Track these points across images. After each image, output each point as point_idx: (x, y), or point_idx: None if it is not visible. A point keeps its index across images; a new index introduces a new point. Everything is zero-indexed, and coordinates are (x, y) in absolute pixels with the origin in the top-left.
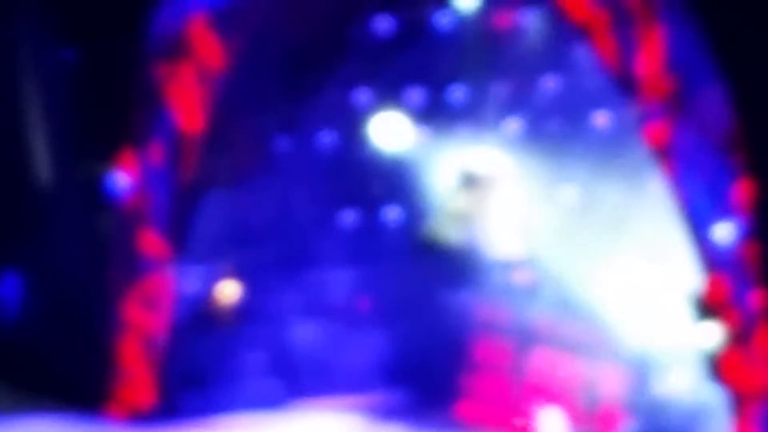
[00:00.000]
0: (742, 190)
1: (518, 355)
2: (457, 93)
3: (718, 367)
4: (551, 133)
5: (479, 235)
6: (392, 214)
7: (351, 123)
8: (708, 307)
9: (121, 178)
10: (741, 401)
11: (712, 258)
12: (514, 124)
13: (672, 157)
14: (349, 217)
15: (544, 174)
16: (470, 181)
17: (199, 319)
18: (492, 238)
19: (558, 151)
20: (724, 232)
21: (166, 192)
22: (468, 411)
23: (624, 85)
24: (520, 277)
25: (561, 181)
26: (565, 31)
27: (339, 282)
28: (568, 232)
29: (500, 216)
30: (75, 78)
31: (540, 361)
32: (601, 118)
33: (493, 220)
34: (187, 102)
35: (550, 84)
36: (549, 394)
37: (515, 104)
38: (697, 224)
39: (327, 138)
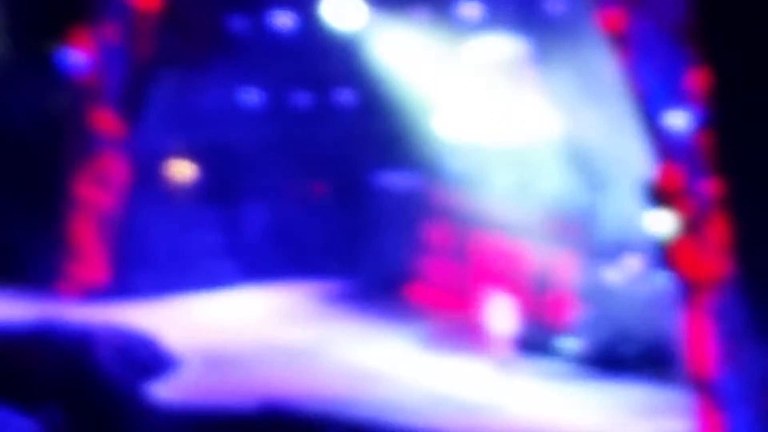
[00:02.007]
0: (697, 79)
1: (470, 240)
2: None
3: (672, 256)
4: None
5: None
6: (345, 96)
7: (306, 3)
8: (661, 195)
9: (77, 55)
10: (693, 289)
11: (666, 146)
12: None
13: (627, 45)
14: (303, 99)
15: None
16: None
17: (154, 198)
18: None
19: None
20: (679, 121)
21: (120, 69)
22: (419, 294)
23: None
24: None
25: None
26: None
27: (293, 166)
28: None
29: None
30: None
31: (492, 247)
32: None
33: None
34: None
35: None
36: (500, 279)
37: None
38: (652, 112)
39: (281, 19)
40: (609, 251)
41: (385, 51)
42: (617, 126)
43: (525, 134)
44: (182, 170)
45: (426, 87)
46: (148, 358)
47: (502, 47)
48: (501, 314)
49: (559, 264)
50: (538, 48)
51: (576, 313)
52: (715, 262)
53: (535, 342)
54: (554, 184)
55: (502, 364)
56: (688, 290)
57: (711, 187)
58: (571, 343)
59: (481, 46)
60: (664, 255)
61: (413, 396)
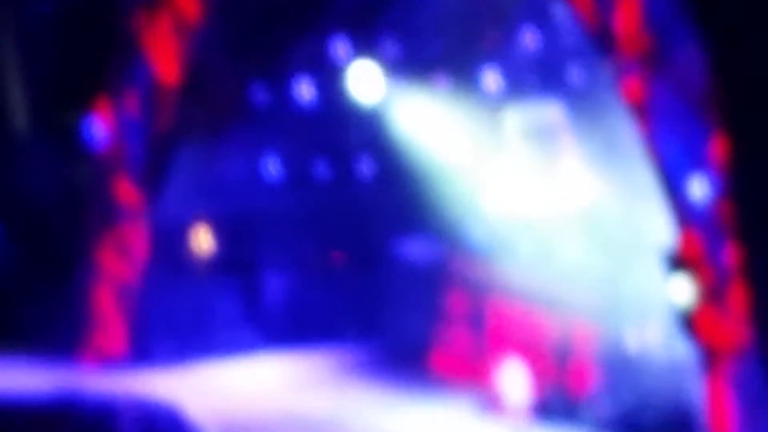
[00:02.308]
0: (717, 147)
1: (490, 309)
2: (434, 45)
3: (692, 324)
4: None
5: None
6: (366, 165)
7: (327, 74)
8: (681, 262)
9: (97, 127)
10: (713, 358)
11: (687, 213)
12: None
13: (648, 113)
14: (322, 168)
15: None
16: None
17: (174, 268)
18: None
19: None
20: (699, 188)
21: (141, 141)
22: (440, 364)
23: (601, 42)
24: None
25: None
26: None
27: (313, 235)
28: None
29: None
30: (52, 27)
31: (512, 315)
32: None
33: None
34: (164, 52)
35: (528, 38)
36: (521, 348)
37: (493, 57)
38: (672, 179)
39: (304, 89)
40: (630, 320)
41: (406, 120)
42: (639, 194)
43: (550, 202)
44: (202, 240)
45: (448, 156)
46: (170, 429)
47: (540, 114)
48: (515, 381)
49: (580, 332)
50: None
51: (597, 380)
52: (735, 330)
53: (556, 410)
54: (576, 253)
55: None
56: (708, 358)
57: (731, 254)
58: (592, 411)
59: (519, 113)
60: (684, 323)
61: None
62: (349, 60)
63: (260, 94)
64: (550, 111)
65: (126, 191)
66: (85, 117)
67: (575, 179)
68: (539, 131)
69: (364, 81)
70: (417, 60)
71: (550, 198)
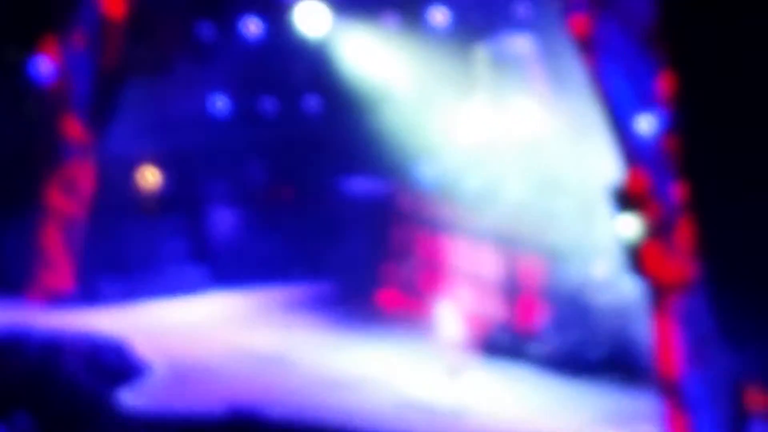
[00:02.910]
0: (664, 83)
1: (437, 245)
2: None
3: (639, 260)
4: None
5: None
6: (313, 102)
7: (274, 11)
8: (629, 199)
9: (44, 64)
10: (660, 293)
11: (634, 150)
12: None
13: (594, 49)
14: (270, 105)
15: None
16: None
17: (121, 205)
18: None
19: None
20: (646, 125)
21: (88, 78)
22: (386, 299)
23: None
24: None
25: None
26: None
27: (259, 170)
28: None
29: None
30: None
31: (460, 252)
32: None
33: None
34: None
35: None
36: (468, 284)
37: None
38: (619, 116)
39: (250, 26)
40: (576, 257)
41: (353, 57)
42: (586, 130)
43: (501, 137)
44: (149, 177)
45: (397, 91)
46: (115, 365)
47: (512, 45)
48: (450, 319)
49: (526, 269)
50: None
51: (543, 317)
52: (682, 265)
53: (504, 346)
54: (522, 190)
55: (454, 369)
56: (656, 294)
57: (678, 191)
58: (538, 347)
59: (490, 46)
60: (631, 259)
61: (381, 402)
62: None
63: (207, 31)
64: (520, 42)
65: (73, 128)
66: (31, 55)
67: (528, 114)
68: (511, 61)
69: (311, 18)
70: None
71: (502, 133)
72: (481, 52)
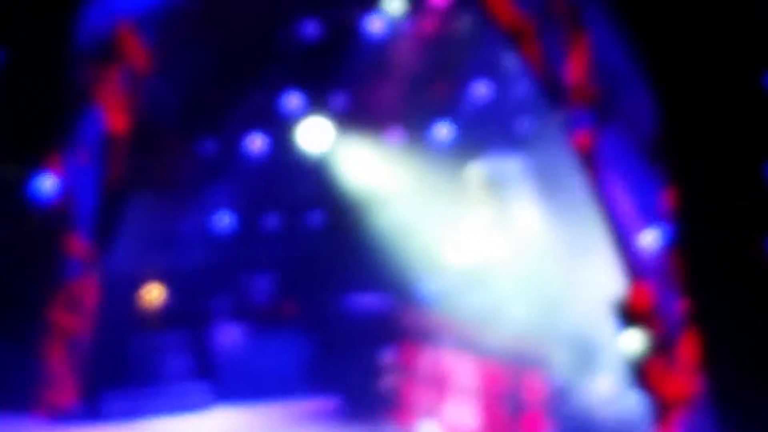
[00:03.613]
0: (668, 198)
1: (440, 362)
2: (385, 98)
3: (643, 375)
4: (481, 139)
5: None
6: (316, 217)
7: (278, 128)
8: (632, 315)
9: (47, 181)
10: (664, 409)
11: (637, 265)
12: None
13: (598, 164)
14: (274, 221)
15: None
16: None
17: (125, 321)
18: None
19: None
20: (650, 240)
21: (92, 194)
22: (393, 416)
23: (551, 92)
24: (450, 285)
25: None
26: (494, 38)
27: (263, 286)
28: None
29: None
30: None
31: (464, 368)
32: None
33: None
34: (114, 104)
35: (479, 90)
36: (472, 400)
37: (443, 109)
38: (623, 231)
39: (254, 143)
40: (581, 372)
41: (357, 173)
42: (588, 246)
43: (502, 255)
44: (153, 293)
45: (399, 209)
46: None
47: (500, 167)
48: None
49: (531, 384)
50: (501, 169)
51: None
52: (687, 381)
53: None
54: (523, 304)
55: None
56: (660, 410)
57: (681, 306)
58: None
59: (479, 166)
60: (635, 374)
61: None
62: (300, 114)
63: (211, 147)
64: (509, 164)
65: (77, 245)
66: (32, 172)
67: (528, 233)
68: (499, 183)
69: (315, 135)
70: (367, 113)
71: (502, 251)
72: (475, 170)
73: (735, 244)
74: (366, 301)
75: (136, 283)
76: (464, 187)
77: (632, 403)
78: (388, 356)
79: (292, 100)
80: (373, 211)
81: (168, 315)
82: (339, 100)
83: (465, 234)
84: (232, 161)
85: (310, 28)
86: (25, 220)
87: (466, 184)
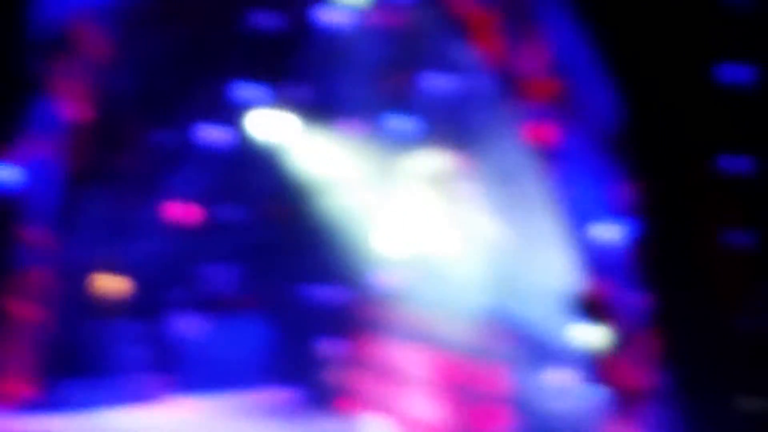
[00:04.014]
0: (627, 192)
1: (396, 354)
2: (339, 88)
3: (602, 368)
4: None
5: (359, 233)
6: (274, 209)
7: (234, 117)
8: (591, 309)
9: (3, 170)
10: (624, 401)
11: (596, 259)
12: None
13: (556, 158)
14: (231, 211)
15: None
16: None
17: (82, 311)
18: (373, 235)
19: (444, 151)
20: (610, 234)
21: (50, 184)
22: (347, 408)
23: (507, 85)
24: (400, 276)
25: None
26: (452, 30)
27: (221, 277)
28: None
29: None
30: None
31: (420, 360)
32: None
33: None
34: (72, 94)
35: (434, 82)
36: (429, 391)
37: (400, 102)
38: (581, 225)
39: (212, 132)
40: (539, 365)
41: (312, 164)
42: (542, 238)
43: (453, 246)
44: (111, 283)
45: (354, 200)
46: None
47: (435, 161)
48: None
49: (489, 376)
50: (467, 160)
51: (503, 425)
52: (647, 374)
53: None
54: (481, 295)
55: None
56: (620, 402)
57: (642, 300)
58: None
59: (415, 160)
60: (594, 368)
61: None
62: (257, 104)
63: (168, 137)
64: (446, 158)
65: (33, 235)
66: None
67: (478, 224)
68: (436, 178)
69: (273, 125)
70: (322, 103)
71: (452, 241)
72: (423, 161)
73: (696, 238)
74: (325, 292)
75: (92, 272)
76: (414, 179)
77: (591, 396)
78: (343, 348)
79: (250, 90)
80: (330, 203)
81: (125, 305)
82: (297, 90)
83: (412, 225)
84: (189, 151)
85: (267, 19)
86: None
87: (414, 174)
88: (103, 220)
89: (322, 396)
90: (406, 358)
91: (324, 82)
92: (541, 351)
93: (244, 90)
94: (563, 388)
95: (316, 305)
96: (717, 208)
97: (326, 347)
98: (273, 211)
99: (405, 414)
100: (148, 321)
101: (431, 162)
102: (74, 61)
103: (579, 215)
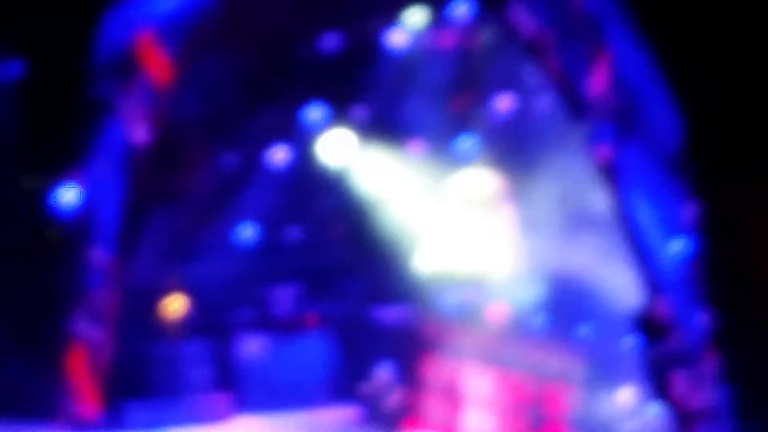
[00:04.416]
0: (691, 210)
1: (462, 374)
2: (406, 110)
3: (665, 387)
4: (502, 152)
5: (425, 254)
6: (339, 230)
7: (300, 140)
8: (654, 326)
9: (70, 192)
10: (686, 421)
11: (659, 278)
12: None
13: (619, 178)
14: (296, 232)
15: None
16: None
17: (147, 332)
18: (440, 256)
19: (508, 170)
20: (672, 252)
21: (114, 205)
22: (411, 428)
23: (573, 106)
24: (469, 297)
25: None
26: (515, 51)
27: (285, 297)
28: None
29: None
30: (20, 91)
31: (486, 380)
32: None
33: (442, 239)
34: (136, 116)
35: (502, 103)
36: (494, 412)
37: (466, 123)
38: (644, 244)
39: (276, 155)
40: (603, 384)
41: (379, 185)
42: (606, 256)
43: (511, 267)
44: (175, 304)
45: (415, 220)
46: None
47: (480, 182)
48: None
49: (553, 396)
50: (520, 181)
51: None
52: (708, 392)
53: None
54: (543, 316)
55: None
56: (681, 422)
57: (704, 319)
58: None
59: (461, 181)
60: (657, 387)
61: None
62: (322, 126)
63: (233, 159)
64: (489, 179)
65: (99, 256)
66: (55, 183)
67: (541, 243)
68: (499, 198)
69: (337, 147)
70: (389, 125)
71: (516, 261)
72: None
73: (757, 257)
74: (387, 312)
75: (157, 294)
76: (478, 199)
77: (654, 415)
78: (406, 367)
79: (314, 112)
80: (392, 223)
81: (190, 326)
82: (360, 112)
83: (476, 245)
84: (254, 173)
85: (332, 41)
86: (47, 231)
87: (478, 195)
88: (167, 242)
89: (385, 415)
90: (470, 379)
91: (388, 103)
92: (605, 371)
93: (309, 112)
94: (628, 408)
95: (378, 325)
96: None
97: (389, 367)
98: (336, 232)
99: None
100: (212, 341)
101: (494, 182)
102: (139, 84)
103: (642, 233)
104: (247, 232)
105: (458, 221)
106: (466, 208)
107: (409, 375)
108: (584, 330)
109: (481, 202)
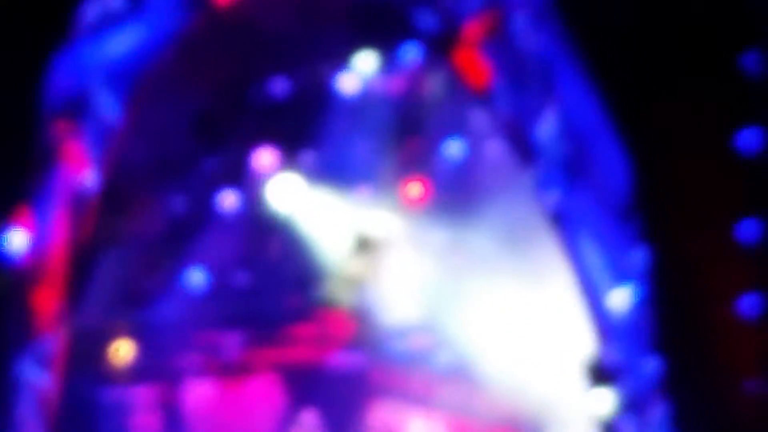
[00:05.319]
0: (639, 256)
1: (413, 421)
2: (356, 155)
3: None
4: (449, 197)
5: (373, 300)
6: (287, 275)
7: (248, 185)
8: (602, 373)
9: (16, 236)
10: None
11: (608, 324)
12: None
13: (568, 223)
14: (244, 278)
15: (440, 239)
16: (365, 245)
17: (94, 377)
18: (386, 302)
19: (455, 216)
20: (620, 299)
21: (61, 250)
22: None
23: (521, 151)
24: (414, 342)
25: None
26: (464, 96)
27: (233, 343)
28: (463, 297)
29: (395, 280)
30: None
31: (433, 425)
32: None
33: (388, 285)
34: (84, 160)
35: (451, 149)
36: None
37: (414, 168)
38: (593, 291)
39: (225, 199)
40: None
41: (325, 230)
42: (554, 303)
43: (465, 312)
44: (122, 350)
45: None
46: None
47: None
48: None
49: None
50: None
51: None
52: None
53: None
54: (494, 363)
55: None
56: None
57: (653, 365)
58: None
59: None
60: None
61: None
62: (270, 171)
63: (182, 203)
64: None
65: (46, 301)
66: (1, 227)
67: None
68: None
69: (286, 192)
70: (336, 169)
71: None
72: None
73: (707, 304)
74: (335, 357)
75: (105, 339)
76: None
77: None
78: (354, 413)
79: (263, 156)
80: (342, 269)
81: (136, 372)
82: (309, 157)
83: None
84: (203, 218)
85: (281, 85)
86: None
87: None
88: (115, 287)
89: None
90: (416, 424)
91: (337, 148)
92: (553, 417)
93: (258, 156)
94: None
95: (326, 371)
96: (729, 274)
97: (338, 413)
98: (284, 276)
99: None
100: (160, 387)
101: (442, 228)
102: (86, 127)
103: (590, 280)
104: (196, 277)
105: (411, 266)
106: (421, 254)
107: (354, 421)
108: (532, 375)
109: (436, 247)
